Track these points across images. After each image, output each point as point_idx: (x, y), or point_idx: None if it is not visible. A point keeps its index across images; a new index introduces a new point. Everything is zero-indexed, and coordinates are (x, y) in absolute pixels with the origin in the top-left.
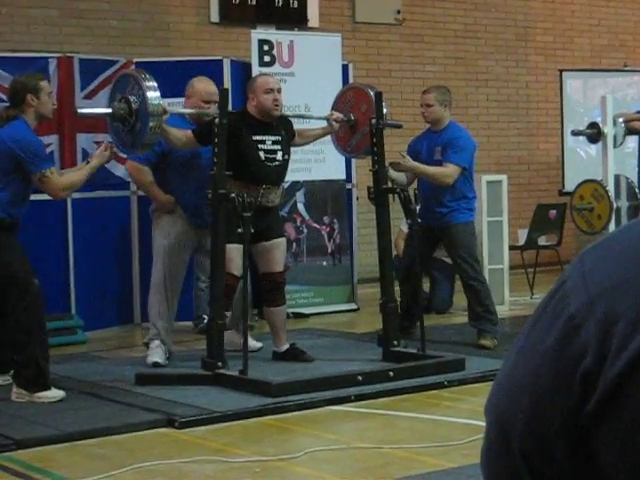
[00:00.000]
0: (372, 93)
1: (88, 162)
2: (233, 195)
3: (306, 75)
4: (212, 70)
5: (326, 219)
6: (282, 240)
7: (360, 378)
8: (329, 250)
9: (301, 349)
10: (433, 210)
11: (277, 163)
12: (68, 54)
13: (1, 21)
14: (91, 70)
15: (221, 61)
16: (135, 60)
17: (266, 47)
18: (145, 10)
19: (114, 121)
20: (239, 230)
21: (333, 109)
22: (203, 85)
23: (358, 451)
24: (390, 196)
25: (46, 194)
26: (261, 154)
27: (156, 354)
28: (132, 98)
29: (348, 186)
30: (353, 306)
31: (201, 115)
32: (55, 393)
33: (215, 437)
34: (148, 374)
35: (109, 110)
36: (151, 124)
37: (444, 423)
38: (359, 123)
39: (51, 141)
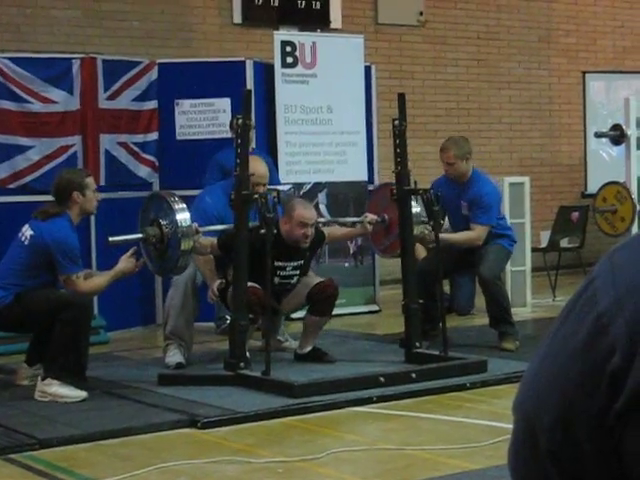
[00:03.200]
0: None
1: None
2: (256, 196)
3: (328, 76)
4: (235, 71)
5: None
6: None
7: (382, 379)
8: (351, 251)
9: (323, 350)
10: (472, 250)
11: (288, 287)
12: (91, 55)
13: (25, 22)
14: (114, 71)
15: (244, 62)
16: (158, 61)
17: (289, 48)
18: (168, 11)
19: (146, 245)
20: (262, 231)
21: (368, 207)
22: (253, 165)
23: (380, 452)
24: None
25: None
26: (276, 280)
27: (176, 355)
28: (163, 222)
29: (370, 187)
30: (374, 308)
31: (225, 230)
32: (78, 393)
33: (238, 438)
34: (171, 374)
35: (141, 235)
36: (183, 247)
37: (467, 425)
38: (393, 223)
39: (74, 142)
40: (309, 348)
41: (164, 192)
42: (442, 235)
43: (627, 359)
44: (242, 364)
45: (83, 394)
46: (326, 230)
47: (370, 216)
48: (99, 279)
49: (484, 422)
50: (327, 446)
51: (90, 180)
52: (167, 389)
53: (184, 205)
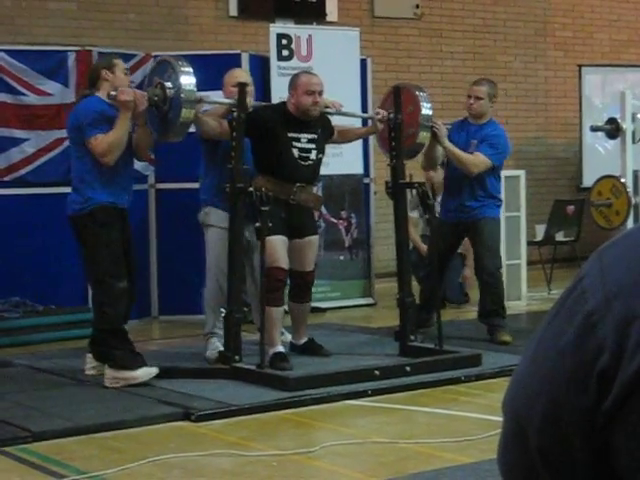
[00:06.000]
0: (420, 94)
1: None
2: (251, 189)
3: (324, 69)
4: (230, 64)
5: (344, 213)
6: (315, 238)
7: (377, 373)
8: (346, 244)
9: (318, 343)
10: (464, 204)
11: (310, 162)
12: (87, 47)
13: (21, 14)
14: None
15: (239, 55)
16: (153, 54)
17: (284, 41)
18: (164, 4)
19: (148, 106)
20: (257, 225)
21: (380, 107)
22: (237, 73)
23: (375, 446)
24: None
25: (58, 186)
26: (295, 152)
27: (218, 349)
28: (167, 84)
29: (366, 180)
30: (370, 301)
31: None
32: (149, 370)
33: (232, 431)
34: (165, 367)
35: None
36: (184, 112)
37: (461, 418)
38: (404, 124)
39: None
40: (305, 339)
41: (171, 56)
42: (449, 143)
43: (615, 358)
44: (237, 357)
45: (153, 370)
46: (336, 129)
47: (382, 112)
48: (114, 128)
49: (478, 415)
50: (321, 439)
51: (119, 61)
52: (161, 382)
53: (190, 70)
